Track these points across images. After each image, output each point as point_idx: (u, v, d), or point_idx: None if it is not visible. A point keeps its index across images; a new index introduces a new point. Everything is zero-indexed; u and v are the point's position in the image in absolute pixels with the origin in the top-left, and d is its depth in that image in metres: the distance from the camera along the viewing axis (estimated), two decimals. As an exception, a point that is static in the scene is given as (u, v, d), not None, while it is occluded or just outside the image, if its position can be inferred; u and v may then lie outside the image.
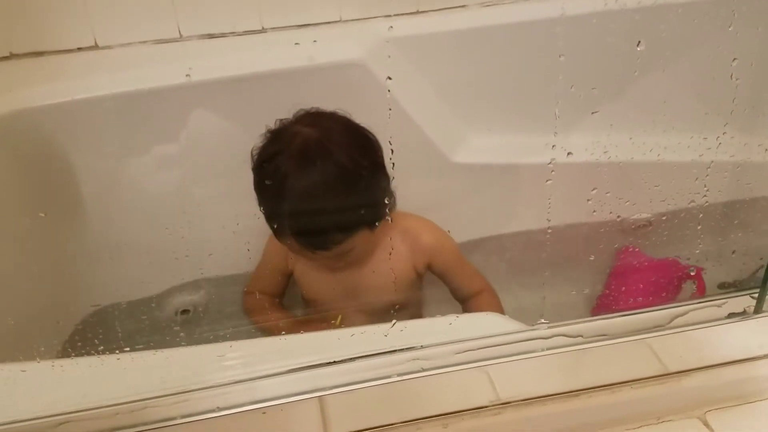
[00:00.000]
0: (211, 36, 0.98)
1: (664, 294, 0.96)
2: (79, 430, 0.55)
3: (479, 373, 0.58)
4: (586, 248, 1.02)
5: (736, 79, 0.86)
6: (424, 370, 0.59)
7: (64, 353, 0.88)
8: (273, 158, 0.80)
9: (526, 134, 1.05)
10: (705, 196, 0.90)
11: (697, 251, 0.93)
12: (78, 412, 0.55)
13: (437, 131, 1.04)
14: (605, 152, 0.99)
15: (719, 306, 0.63)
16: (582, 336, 0.61)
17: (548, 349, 0.60)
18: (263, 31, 0.99)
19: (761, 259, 0.65)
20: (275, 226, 0.81)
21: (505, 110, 1.07)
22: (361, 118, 0.84)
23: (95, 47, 0.96)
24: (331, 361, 0.59)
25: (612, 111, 0.98)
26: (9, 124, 0.88)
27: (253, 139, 0.83)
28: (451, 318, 0.66)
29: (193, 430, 0.56)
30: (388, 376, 0.58)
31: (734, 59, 0.85)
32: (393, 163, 0.82)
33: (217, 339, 0.87)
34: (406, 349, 0.60)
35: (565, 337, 0.61)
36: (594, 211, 0.89)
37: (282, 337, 0.69)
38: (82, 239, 0.97)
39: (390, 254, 0.88)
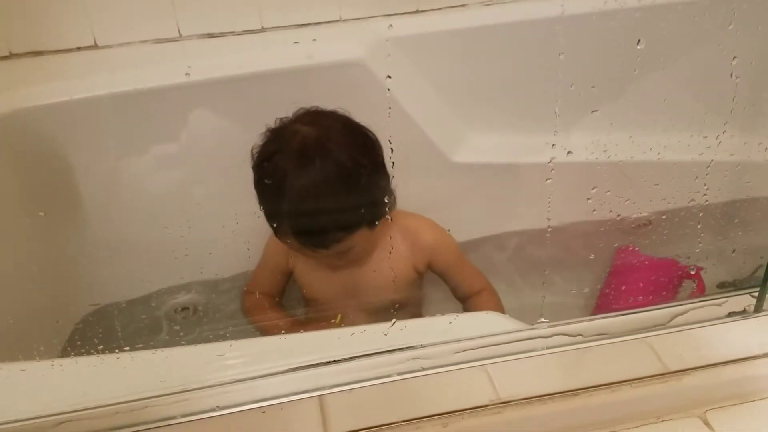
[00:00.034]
0: (210, 35, 0.98)
1: (664, 293, 0.96)
2: (78, 429, 0.55)
3: (479, 373, 0.58)
4: (586, 247, 1.02)
5: (736, 78, 0.86)
6: (423, 369, 0.59)
7: (63, 353, 0.88)
8: (273, 157, 0.80)
9: (526, 133, 1.05)
10: (705, 195, 0.90)
11: (697, 250, 0.93)
12: (78, 412, 0.55)
13: (437, 130, 1.04)
14: (605, 151, 0.99)
15: (719, 305, 0.63)
16: (582, 335, 0.61)
17: (548, 348, 0.60)
18: (263, 30, 0.99)
19: (761, 258, 0.65)
20: (275, 225, 0.81)
21: (504, 109, 1.07)
22: (360, 118, 0.84)
23: (95, 47, 0.96)
24: (331, 360, 0.59)
25: (612, 110, 0.98)
26: (8, 123, 0.88)
27: (252, 138, 0.83)
28: (451, 317, 0.66)
29: (193, 430, 0.56)
30: (388, 376, 0.58)
31: (734, 58, 0.85)
32: (393, 162, 0.82)
33: (216, 338, 0.87)
34: (406, 348, 0.60)
35: (565, 336, 0.61)
36: (594, 210, 0.89)
37: (282, 337, 0.69)
38: (82, 238, 0.97)
39: (390, 253, 0.88)
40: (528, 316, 0.63)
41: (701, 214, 0.91)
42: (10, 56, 0.95)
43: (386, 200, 0.83)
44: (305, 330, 0.92)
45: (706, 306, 0.63)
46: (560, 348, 0.60)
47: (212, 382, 0.58)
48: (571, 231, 0.98)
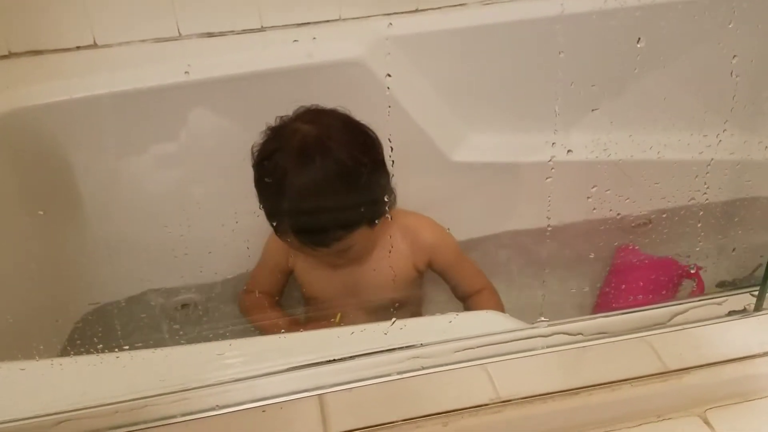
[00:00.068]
0: (210, 35, 0.98)
1: (664, 292, 0.96)
2: (78, 428, 0.55)
3: (479, 371, 0.58)
4: (586, 246, 1.02)
5: (737, 77, 0.86)
6: (424, 368, 0.59)
7: (63, 352, 0.88)
8: (273, 155, 0.80)
9: (526, 132, 1.05)
10: (705, 193, 0.90)
11: (697, 249, 0.93)
12: (77, 411, 0.55)
13: (437, 130, 1.04)
14: (605, 150, 0.99)
15: (719, 304, 0.63)
16: (582, 334, 0.61)
17: (548, 347, 0.60)
18: (262, 29, 0.99)
19: (761, 256, 0.65)
20: (275, 223, 0.81)
21: (504, 109, 1.06)
22: (360, 117, 0.84)
23: (94, 46, 0.96)
24: (331, 359, 0.59)
25: (612, 109, 0.98)
26: (8, 122, 0.88)
27: (252, 137, 0.83)
28: (451, 316, 0.66)
29: (193, 429, 0.56)
30: (388, 375, 0.58)
31: (734, 56, 0.85)
32: (393, 161, 0.82)
33: (216, 337, 0.87)
34: (406, 347, 0.60)
35: (566, 335, 0.61)
36: (594, 209, 0.89)
37: (282, 336, 0.69)
38: (82, 238, 0.97)
39: (390, 252, 0.88)
40: (528, 315, 0.63)
41: (701, 212, 0.91)
42: (10, 55, 0.95)
43: (386, 199, 0.83)
44: (305, 329, 0.92)
45: (706, 305, 0.63)
46: (560, 347, 0.60)
47: (212, 381, 0.58)
48: (571, 230, 0.98)
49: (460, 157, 1.06)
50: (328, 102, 0.84)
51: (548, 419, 0.57)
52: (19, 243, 0.89)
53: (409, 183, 0.87)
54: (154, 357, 0.61)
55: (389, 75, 0.96)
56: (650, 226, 1.02)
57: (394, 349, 0.60)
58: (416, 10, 1.02)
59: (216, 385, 0.58)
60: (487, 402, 0.56)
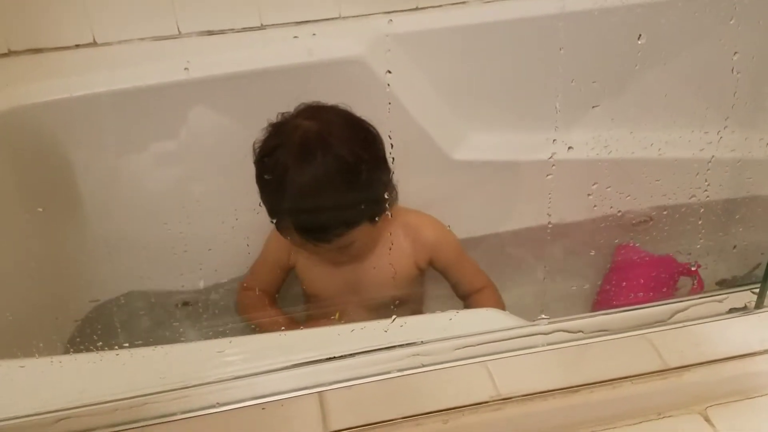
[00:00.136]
0: (210, 33, 0.98)
1: (664, 289, 0.96)
2: (78, 426, 0.55)
3: (479, 369, 0.58)
4: (586, 244, 1.02)
5: (737, 74, 0.86)
6: (424, 365, 0.59)
7: (63, 350, 0.88)
8: (274, 151, 0.80)
9: (526, 131, 1.05)
10: (706, 191, 0.90)
11: (698, 246, 0.93)
12: (77, 409, 0.55)
13: (437, 128, 1.04)
14: (606, 147, 0.98)
15: (720, 301, 0.63)
16: (582, 331, 0.61)
17: (549, 344, 0.60)
18: (262, 27, 0.99)
19: (762, 254, 0.65)
20: (277, 220, 0.81)
21: (505, 107, 1.06)
22: (360, 116, 0.84)
23: (94, 44, 0.96)
24: (331, 356, 0.59)
25: (613, 106, 0.98)
26: (7, 121, 0.88)
27: (252, 135, 0.83)
28: (451, 313, 0.66)
29: (193, 426, 0.56)
30: (388, 372, 0.58)
31: (735, 53, 0.85)
32: (393, 159, 0.82)
33: (216, 335, 0.87)
34: (406, 344, 0.60)
35: (566, 333, 0.61)
36: (595, 206, 0.89)
37: (282, 333, 0.69)
38: (82, 235, 0.97)
39: (392, 249, 0.88)
40: (528, 312, 0.63)
41: (702, 210, 0.91)
42: (9, 53, 0.95)
43: (388, 195, 0.83)
44: (306, 326, 0.92)
45: (706, 302, 0.63)
46: (561, 344, 0.60)
47: (212, 378, 0.58)
48: (571, 227, 0.98)
49: (460, 155, 1.06)
50: (327, 100, 0.84)
51: (548, 417, 0.57)
52: (19, 241, 0.89)
53: (409, 181, 0.87)
54: (153, 354, 0.61)
55: (389, 72, 0.96)
56: (651, 223, 1.02)
57: (394, 347, 0.59)
58: (416, 8, 1.02)
59: (216, 383, 0.57)
60: (487, 399, 0.56)
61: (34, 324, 0.85)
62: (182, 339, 0.87)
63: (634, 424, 0.57)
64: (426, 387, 0.58)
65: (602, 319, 0.63)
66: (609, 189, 0.87)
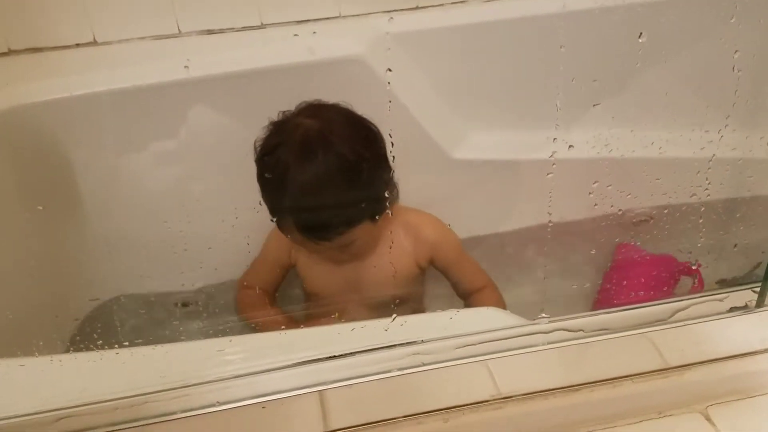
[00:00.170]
0: (210, 32, 0.98)
1: (665, 288, 0.96)
2: (78, 425, 0.55)
3: (480, 368, 0.58)
4: (587, 242, 1.02)
5: (738, 72, 0.86)
6: (424, 364, 0.59)
7: (63, 348, 0.88)
8: (275, 150, 0.80)
9: (527, 130, 1.05)
10: (707, 189, 0.90)
11: (699, 245, 0.93)
12: (77, 407, 0.55)
13: (437, 127, 1.04)
14: (606, 145, 0.98)
15: (721, 300, 0.63)
16: (583, 330, 0.61)
17: (549, 343, 0.60)
18: (262, 26, 0.99)
19: (763, 253, 0.65)
20: (278, 218, 0.81)
21: (505, 106, 1.06)
22: (361, 114, 0.84)
23: (94, 43, 0.96)
24: (332, 355, 0.59)
25: (613, 104, 0.97)
26: (7, 120, 0.88)
27: (252, 134, 0.83)
28: (452, 312, 0.66)
29: (193, 425, 0.55)
30: (389, 371, 0.58)
31: (736, 51, 0.85)
32: (393, 156, 0.82)
33: (216, 333, 0.87)
34: (407, 343, 0.60)
35: (566, 332, 0.61)
36: (595, 205, 0.89)
37: (282, 332, 0.69)
38: (81, 235, 0.97)
39: (392, 248, 0.88)
40: (529, 311, 0.63)
41: (703, 209, 0.91)
42: (9, 53, 0.95)
43: (389, 193, 0.83)
44: (306, 325, 0.92)
45: (707, 301, 0.63)
46: (561, 343, 0.60)
47: (212, 377, 0.58)
48: (571, 226, 0.98)
49: (460, 154, 1.06)
50: (327, 99, 0.84)
51: (549, 416, 0.57)
52: (19, 240, 0.89)
53: (409, 181, 0.87)
54: (154, 353, 0.61)
55: (390, 70, 0.96)
56: (651, 222, 1.02)
57: (394, 346, 0.59)
58: (416, 7, 1.01)
59: (216, 382, 0.57)
60: (487, 398, 0.56)
61: (34, 323, 0.85)
62: (182, 338, 0.87)
63: (635, 423, 0.57)
64: (426, 386, 0.57)
65: (603, 318, 0.63)
66: (609, 188, 0.87)
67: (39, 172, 0.92)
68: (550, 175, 0.85)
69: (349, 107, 0.84)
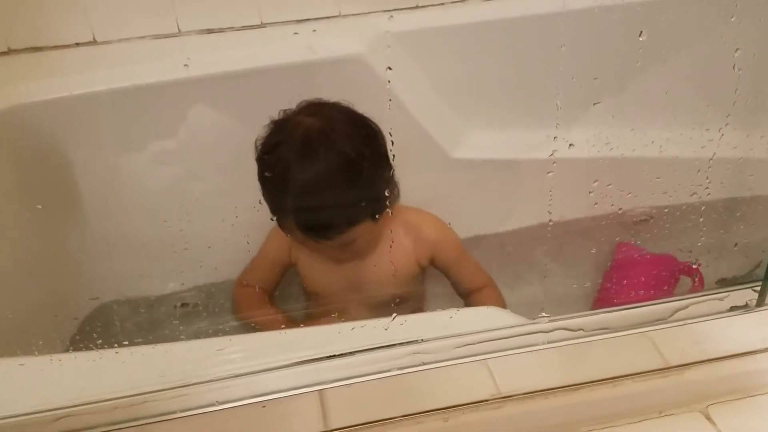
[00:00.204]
0: (209, 31, 0.98)
1: (665, 287, 0.96)
2: (78, 424, 0.55)
3: (480, 367, 0.58)
4: (587, 241, 1.02)
5: (739, 71, 0.86)
6: (424, 363, 0.58)
7: (63, 348, 0.88)
8: (276, 148, 0.80)
9: (527, 129, 1.05)
10: (707, 188, 0.89)
11: (699, 244, 0.93)
12: (77, 407, 0.55)
13: (437, 127, 1.04)
14: (606, 144, 0.98)
15: (721, 299, 0.63)
16: (583, 329, 0.61)
17: (549, 342, 0.60)
18: (262, 26, 0.99)
19: (763, 252, 0.65)
20: (278, 217, 0.81)
21: (505, 105, 1.06)
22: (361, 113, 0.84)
23: (93, 42, 0.96)
24: (331, 354, 0.58)
25: (614, 103, 0.97)
26: (7, 119, 0.88)
27: (252, 134, 0.83)
28: (452, 312, 0.66)
29: (193, 424, 0.55)
30: (389, 370, 0.58)
31: (736, 50, 0.85)
32: (393, 155, 0.82)
33: (216, 333, 0.87)
34: (407, 342, 0.60)
35: (567, 331, 0.61)
36: (595, 204, 0.89)
37: (282, 331, 0.69)
38: (81, 234, 0.97)
39: (393, 247, 0.88)
40: (529, 310, 0.63)
41: (703, 208, 0.90)
42: (9, 52, 0.95)
43: (389, 192, 0.83)
44: (306, 324, 0.92)
45: (707, 300, 0.63)
46: (561, 342, 0.60)
47: (212, 376, 0.58)
48: (572, 225, 0.98)
49: (460, 153, 1.06)
50: (327, 98, 0.84)
51: (549, 415, 0.57)
52: (19, 240, 0.89)
53: (409, 180, 0.87)
54: (153, 353, 0.61)
55: (390, 68, 0.96)
56: (652, 221, 1.02)
57: (394, 345, 0.59)
58: (416, 7, 1.01)
59: (216, 381, 0.57)
60: (487, 398, 0.56)
61: (33, 322, 0.85)
62: (182, 337, 0.87)
63: (635, 422, 0.57)
64: (426, 385, 0.57)
65: (603, 317, 0.63)
66: (610, 187, 0.87)
67: (39, 171, 0.92)
68: (550, 174, 0.85)
69: (350, 105, 0.84)
